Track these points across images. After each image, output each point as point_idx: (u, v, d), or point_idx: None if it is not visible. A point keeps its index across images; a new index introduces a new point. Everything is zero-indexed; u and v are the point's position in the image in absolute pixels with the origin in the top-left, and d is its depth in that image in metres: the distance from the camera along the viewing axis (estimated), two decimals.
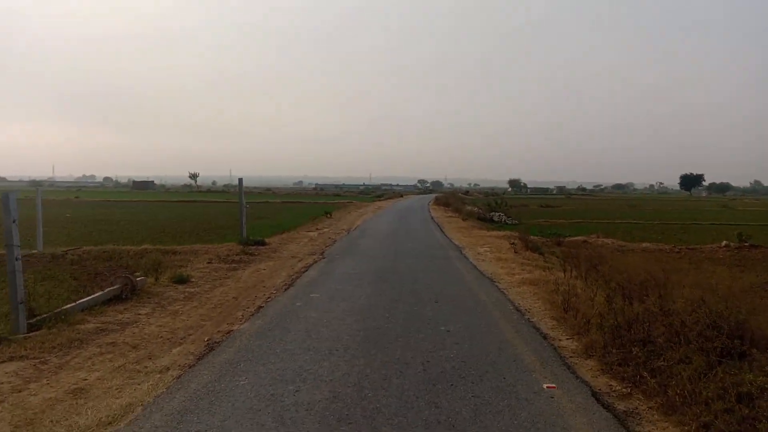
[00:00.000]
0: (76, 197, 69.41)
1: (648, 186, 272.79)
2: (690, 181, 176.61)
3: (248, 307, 8.56)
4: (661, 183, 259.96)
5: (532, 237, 20.17)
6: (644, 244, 22.40)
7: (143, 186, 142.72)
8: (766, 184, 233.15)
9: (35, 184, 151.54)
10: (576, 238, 24.25)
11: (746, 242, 21.68)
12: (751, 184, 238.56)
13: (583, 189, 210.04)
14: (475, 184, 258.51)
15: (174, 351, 6.33)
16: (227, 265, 12.63)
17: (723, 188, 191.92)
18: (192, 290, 9.82)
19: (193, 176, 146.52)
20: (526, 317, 8.03)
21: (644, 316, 6.05)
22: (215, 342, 6.65)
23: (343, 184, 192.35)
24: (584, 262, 12.07)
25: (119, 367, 5.71)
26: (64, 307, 7.53)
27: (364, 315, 7.84)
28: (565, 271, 11.43)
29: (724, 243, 21.96)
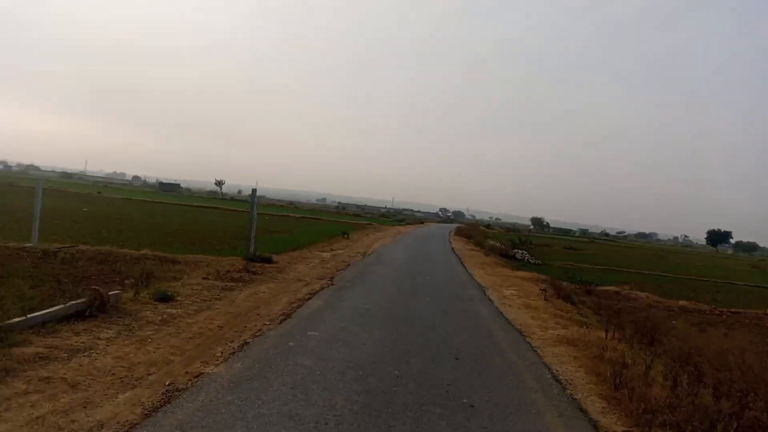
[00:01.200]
0: (99, 192, 69.36)
1: (672, 237, 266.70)
2: (717, 238, 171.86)
3: (232, 341, 7.16)
4: (685, 236, 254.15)
5: (562, 283, 18.52)
6: (681, 302, 20.58)
7: (170, 188, 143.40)
8: None
9: (66, 176, 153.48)
10: (608, 287, 22.50)
11: None
12: None
13: (606, 234, 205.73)
14: (497, 219, 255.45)
15: (120, 398, 4.93)
16: (223, 284, 11.25)
17: (750, 248, 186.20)
18: (173, 311, 8.44)
19: (219, 183, 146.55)
20: (568, 392, 6.47)
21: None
22: (177, 389, 5.25)
23: (365, 205, 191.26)
24: (628, 324, 10.48)
25: (37, 418, 4.33)
26: (9, 321, 6.20)
27: (368, 370, 6.35)
28: (607, 331, 9.85)
29: None
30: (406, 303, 11.41)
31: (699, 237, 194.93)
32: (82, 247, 14.91)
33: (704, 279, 39.27)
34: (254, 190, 15.70)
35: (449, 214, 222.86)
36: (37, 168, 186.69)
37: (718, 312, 19.22)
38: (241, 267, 13.23)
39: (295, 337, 7.60)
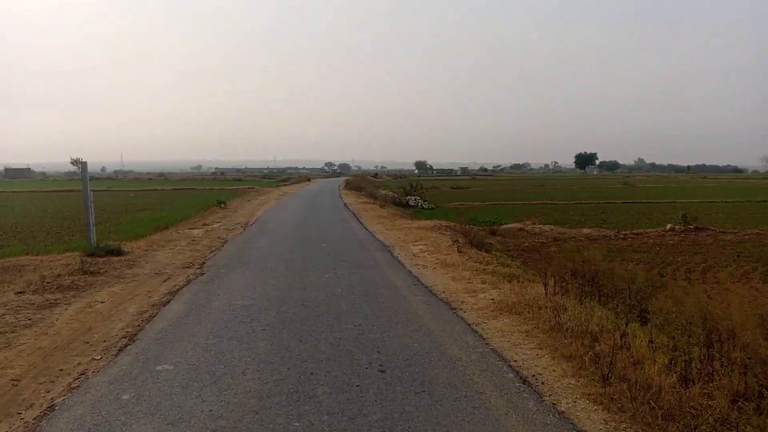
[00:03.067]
0: None
1: (543, 165, 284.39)
2: (584, 160, 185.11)
3: (30, 407, 4.44)
4: (555, 162, 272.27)
5: (471, 228, 17.00)
6: (585, 230, 20.02)
7: (17, 174, 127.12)
8: (648, 162, 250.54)
9: None
10: (510, 225, 21.53)
11: (691, 225, 19.85)
12: (635, 161, 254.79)
13: (485, 169, 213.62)
14: (382, 167, 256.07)
15: None
16: (43, 298, 8.13)
17: (612, 166, 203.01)
18: None
19: (76, 162, 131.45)
20: (547, 401, 4.51)
21: None
22: None
23: (246, 168, 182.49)
24: (560, 267, 8.86)
25: None
26: None
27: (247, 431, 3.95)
28: (546, 285, 8.15)
29: (668, 226, 20.03)
30: (300, 286, 8.99)
31: (567, 161, 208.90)
32: None
33: (587, 202, 40.65)
34: (84, 164, 12.21)
35: (335, 167, 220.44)
36: None
37: (622, 236, 18.81)
38: (75, 267, 10.02)
39: (135, 379, 4.96)
